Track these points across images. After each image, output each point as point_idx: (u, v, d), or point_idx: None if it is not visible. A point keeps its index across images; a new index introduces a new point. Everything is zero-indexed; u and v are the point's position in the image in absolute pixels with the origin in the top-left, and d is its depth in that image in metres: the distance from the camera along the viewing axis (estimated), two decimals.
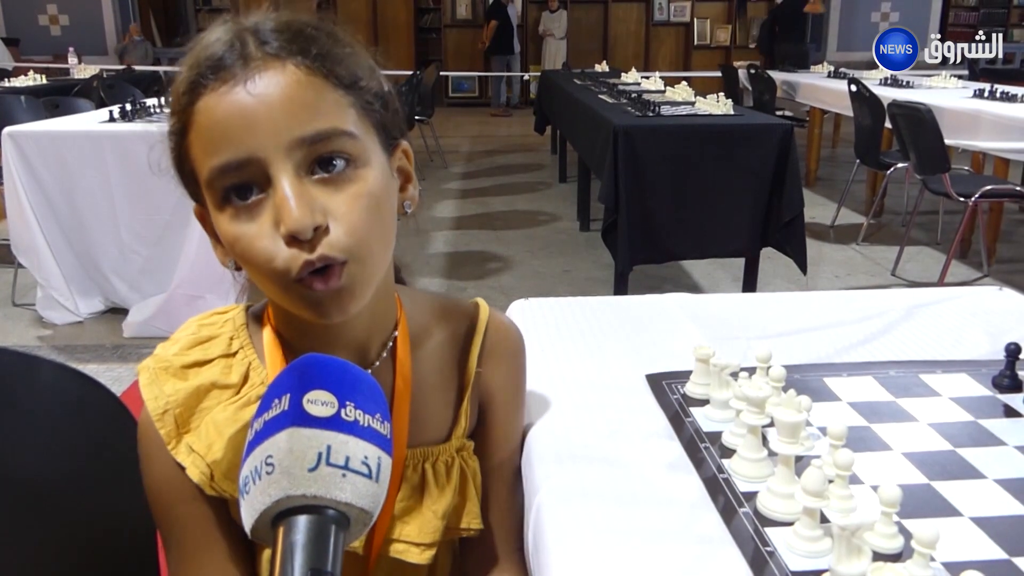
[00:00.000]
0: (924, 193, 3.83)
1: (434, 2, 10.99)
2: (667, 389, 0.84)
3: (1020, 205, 4.79)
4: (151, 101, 3.67)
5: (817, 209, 4.89)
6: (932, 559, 0.54)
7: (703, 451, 0.72)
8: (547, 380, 0.87)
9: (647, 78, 5.26)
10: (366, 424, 0.46)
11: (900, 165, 4.14)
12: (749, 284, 3.29)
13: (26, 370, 0.72)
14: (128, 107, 3.33)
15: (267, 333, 0.68)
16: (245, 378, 0.67)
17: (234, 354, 0.68)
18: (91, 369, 2.68)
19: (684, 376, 0.85)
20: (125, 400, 0.77)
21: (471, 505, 0.73)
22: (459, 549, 0.78)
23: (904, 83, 5.27)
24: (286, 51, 0.58)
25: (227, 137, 0.57)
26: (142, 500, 0.67)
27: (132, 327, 3.00)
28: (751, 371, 0.74)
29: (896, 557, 0.57)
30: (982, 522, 0.62)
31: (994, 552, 0.59)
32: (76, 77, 6.45)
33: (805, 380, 0.85)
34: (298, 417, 0.45)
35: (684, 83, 4.24)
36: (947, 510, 0.63)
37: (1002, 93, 4.19)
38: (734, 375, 0.76)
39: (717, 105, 3.47)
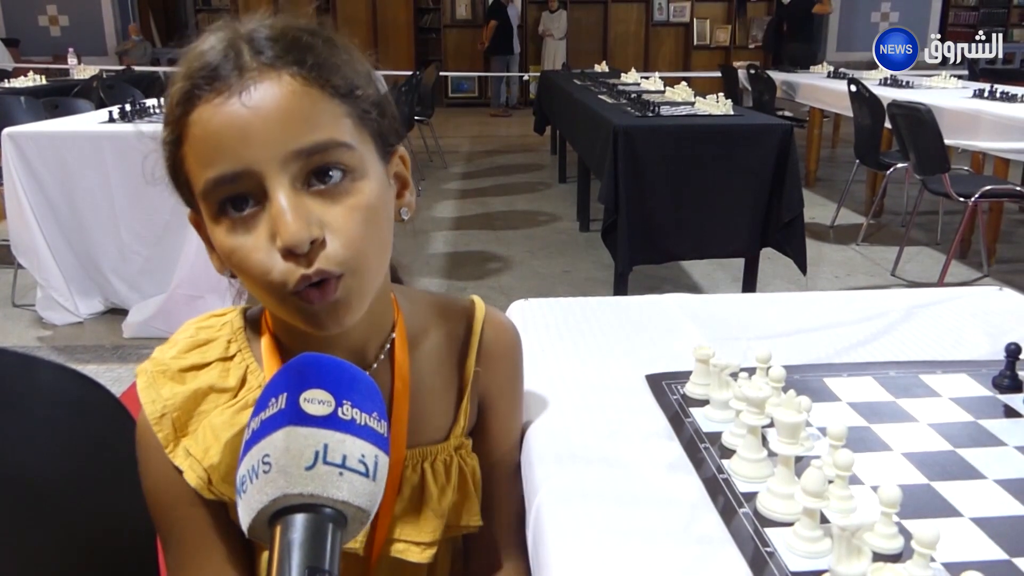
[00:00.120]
0: (924, 193, 3.84)
1: (434, 2, 10.99)
2: (667, 389, 0.84)
3: (1020, 205, 4.79)
4: (150, 101, 3.68)
5: (817, 209, 4.88)
6: (932, 559, 0.54)
7: (703, 451, 0.72)
8: (547, 380, 0.87)
9: (647, 78, 5.26)
10: (363, 423, 0.46)
11: (900, 165, 4.14)
12: (749, 284, 3.29)
13: (26, 370, 0.72)
14: (128, 107, 3.34)
15: (265, 337, 0.68)
16: (243, 381, 0.67)
17: (231, 357, 0.68)
18: (91, 370, 2.69)
19: (684, 376, 0.84)
20: (125, 401, 0.76)
21: (471, 503, 0.74)
22: (462, 546, 0.79)
23: (904, 83, 5.27)
24: (281, 61, 0.57)
25: (222, 149, 0.56)
26: (142, 500, 0.67)
27: (132, 327, 3.00)
28: (751, 371, 0.74)
29: (896, 557, 0.57)
30: (982, 522, 0.62)
31: (994, 552, 0.58)
32: (76, 78, 6.45)
33: (805, 380, 0.85)
34: (295, 416, 0.45)
35: (684, 83, 4.24)
36: (947, 510, 0.63)
37: (1002, 93, 4.19)
38: (734, 375, 0.76)
39: (717, 105, 3.47)
